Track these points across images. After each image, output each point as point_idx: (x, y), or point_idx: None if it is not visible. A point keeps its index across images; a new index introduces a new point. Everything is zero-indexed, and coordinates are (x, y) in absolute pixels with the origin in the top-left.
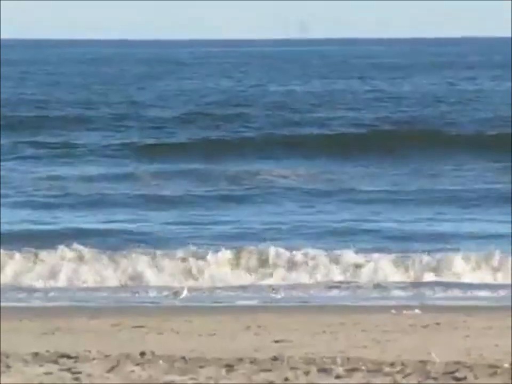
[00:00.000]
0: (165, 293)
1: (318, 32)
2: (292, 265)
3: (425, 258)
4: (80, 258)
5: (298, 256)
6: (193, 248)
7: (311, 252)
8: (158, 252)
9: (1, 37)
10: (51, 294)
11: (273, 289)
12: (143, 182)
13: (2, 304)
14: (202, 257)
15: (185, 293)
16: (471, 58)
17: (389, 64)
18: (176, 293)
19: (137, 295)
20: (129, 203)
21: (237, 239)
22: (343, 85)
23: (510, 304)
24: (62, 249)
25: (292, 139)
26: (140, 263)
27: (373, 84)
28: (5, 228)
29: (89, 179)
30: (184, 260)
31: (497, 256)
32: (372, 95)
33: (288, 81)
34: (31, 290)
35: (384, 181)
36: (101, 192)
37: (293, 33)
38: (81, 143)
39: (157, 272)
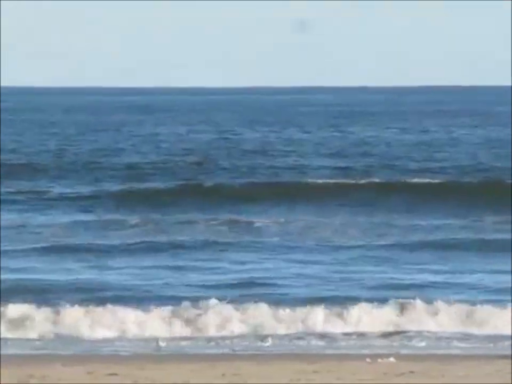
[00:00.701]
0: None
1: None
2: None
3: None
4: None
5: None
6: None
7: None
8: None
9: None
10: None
11: (262, 339)
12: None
13: None
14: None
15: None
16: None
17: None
18: (157, 342)
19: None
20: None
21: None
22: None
23: (487, 352)
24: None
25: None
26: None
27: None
28: None
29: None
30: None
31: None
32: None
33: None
34: (4, 339)
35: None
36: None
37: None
38: (50, 191)
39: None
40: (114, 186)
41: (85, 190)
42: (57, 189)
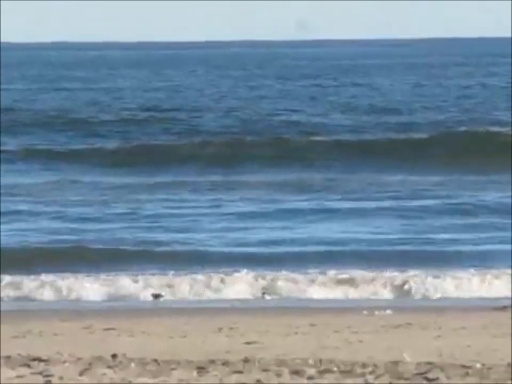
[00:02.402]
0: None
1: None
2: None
3: None
4: None
5: None
6: None
7: None
8: None
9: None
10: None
11: (263, 292)
12: None
13: None
14: None
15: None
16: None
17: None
18: (156, 297)
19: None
20: None
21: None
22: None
23: (483, 304)
24: None
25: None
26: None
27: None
28: None
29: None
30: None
31: None
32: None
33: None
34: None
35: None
36: None
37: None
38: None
39: None
40: None
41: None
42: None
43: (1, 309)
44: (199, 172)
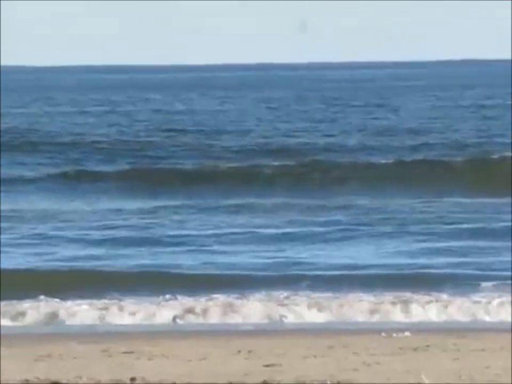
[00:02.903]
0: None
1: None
2: None
3: None
4: None
5: None
6: None
7: None
8: None
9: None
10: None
11: (282, 316)
12: None
13: None
14: None
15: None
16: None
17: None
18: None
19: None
20: None
21: None
22: None
23: (501, 326)
24: None
25: None
26: None
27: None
28: None
29: None
30: None
31: None
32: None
33: None
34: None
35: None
36: None
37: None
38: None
39: None
40: None
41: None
42: None
43: (21, 332)
44: (219, 194)
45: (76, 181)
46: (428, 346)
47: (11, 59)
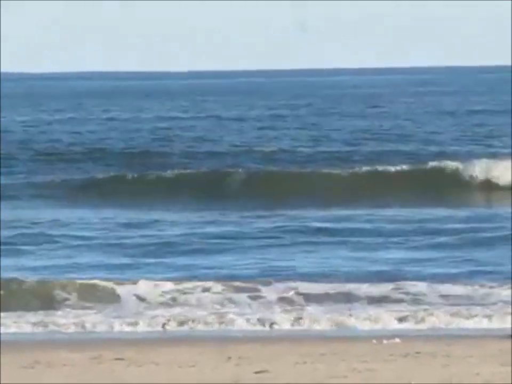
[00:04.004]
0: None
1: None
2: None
3: None
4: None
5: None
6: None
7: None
8: None
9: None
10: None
11: (271, 323)
12: None
13: None
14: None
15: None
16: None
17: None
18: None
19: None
20: None
21: None
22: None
23: (490, 333)
24: None
25: None
26: None
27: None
28: None
29: None
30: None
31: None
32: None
33: None
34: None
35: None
36: None
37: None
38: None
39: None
40: None
41: None
42: None
43: (9, 339)
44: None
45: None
46: (418, 353)
47: None
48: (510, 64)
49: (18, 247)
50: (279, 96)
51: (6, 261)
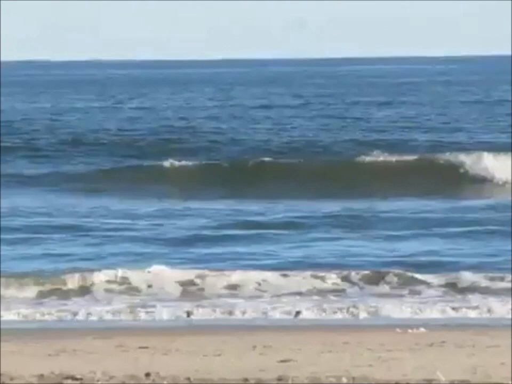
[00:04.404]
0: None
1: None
2: None
3: None
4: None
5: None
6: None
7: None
8: None
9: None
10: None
11: (297, 312)
12: None
13: (6, 326)
14: None
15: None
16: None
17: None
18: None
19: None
20: None
21: None
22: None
23: None
24: None
25: None
26: None
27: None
28: None
29: None
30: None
31: None
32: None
33: None
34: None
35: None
36: None
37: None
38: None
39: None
40: None
41: None
42: None
43: (36, 326)
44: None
45: None
46: (443, 342)
47: None
48: None
49: (47, 235)
50: (305, 86)
51: (37, 249)
